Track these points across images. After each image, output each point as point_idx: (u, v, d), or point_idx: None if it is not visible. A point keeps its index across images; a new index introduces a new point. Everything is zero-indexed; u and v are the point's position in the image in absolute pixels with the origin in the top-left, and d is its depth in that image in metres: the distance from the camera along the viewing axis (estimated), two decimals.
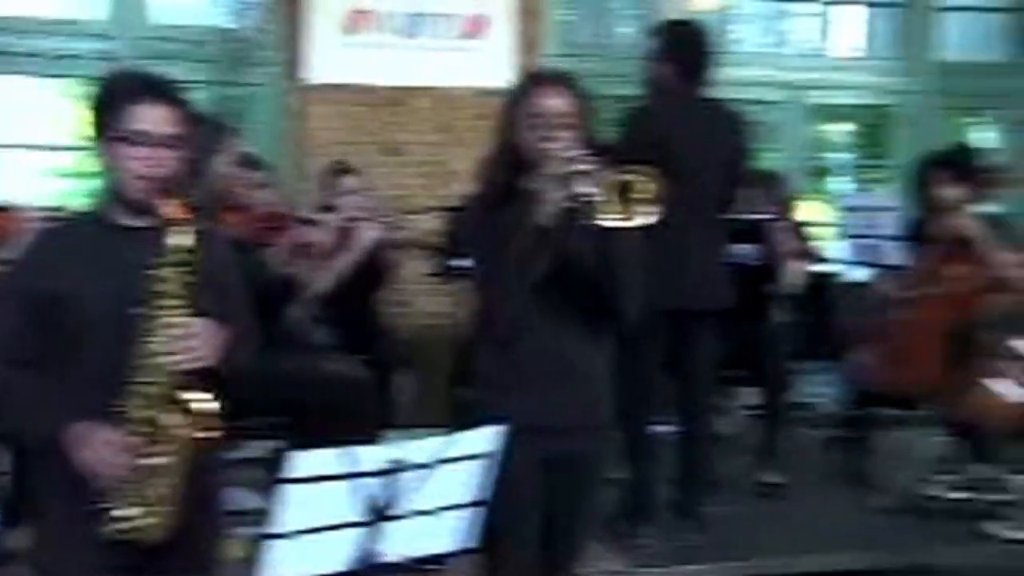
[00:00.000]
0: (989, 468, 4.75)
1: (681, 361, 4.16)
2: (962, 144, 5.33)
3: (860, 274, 5.44)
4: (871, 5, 7.36)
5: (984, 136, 7.43)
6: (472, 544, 2.32)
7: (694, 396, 4.23)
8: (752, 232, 4.88)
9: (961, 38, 7.33)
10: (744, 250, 4.75)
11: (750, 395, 5.30)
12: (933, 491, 4.79)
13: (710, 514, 4.26)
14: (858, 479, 4.93)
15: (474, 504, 2.28)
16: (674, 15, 5.62)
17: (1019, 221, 6.01)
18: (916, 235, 4.84)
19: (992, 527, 4.39)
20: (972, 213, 4.66)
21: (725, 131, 4.12)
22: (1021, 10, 7.18)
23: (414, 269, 5.46)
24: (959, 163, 4.76)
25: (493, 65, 5.99)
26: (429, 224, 5.32)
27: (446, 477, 2.20)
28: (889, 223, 4.84)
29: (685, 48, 4.09)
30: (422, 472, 2.15)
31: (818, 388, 6.06)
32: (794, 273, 5.05)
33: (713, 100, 4.15)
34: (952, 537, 4.40)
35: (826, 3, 7.23)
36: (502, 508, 2.40)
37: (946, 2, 7.15)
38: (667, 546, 4.10)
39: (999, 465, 4.71)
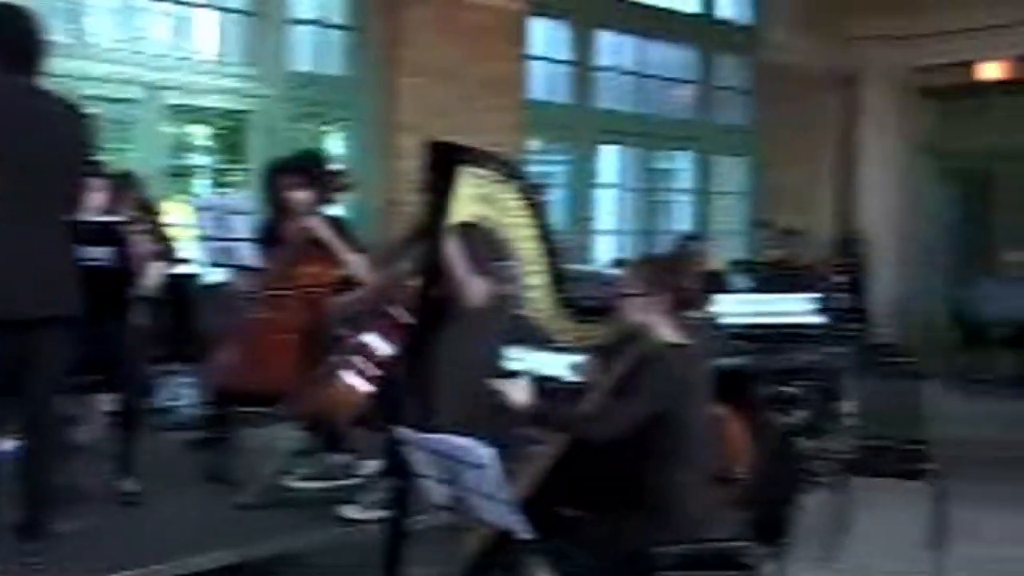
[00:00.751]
0: (342, 456, 5.05)
1: (23, 374, 3.86)
2: (311, 150, 5.59)
3: (218, 276, 5.49)
4: (224, 11, 7.46)
5: (330, 143, 7.89)
6: None
7: (38, 409, 3.94)
8: (107, 234, 4.69)
9: (309, 50, 7.73)
10: (98, 252, 4.56)
11: (109, 402, 5.10)
12: (293, 483, 4.99)
13: (63, 531, 4.02)
14: (222, 478, 4.97)
15: None
16: None
17: (360, 223, 6.50)
18: (270, 237, 5.00)
19: (345, 510, 4.66)
20: (320, 215, 4.92)
21: (62, 126, 3.85)
22: (357, 28, 7.72)
23: None
24: (308, 168, 5.00)
25: None
26: None
27: None
28: (244, 225, 4.93)
29: (9, 35, 3.78)
30: None
31: (180, 391, 6.02)
32: (152, 275, 4.96)
33: (47, 93, 3.86)
34: (312, 524, 4.59)
35: (182, 4, 7.20)
36: None
37: (294, 14, 7.48)
38: (11, 572, 3.80)
39: (350, 453, 5.02)
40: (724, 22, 10.59)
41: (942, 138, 11.17)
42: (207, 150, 8.25)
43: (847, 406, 5.01)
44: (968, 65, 10.55)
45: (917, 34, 10.42)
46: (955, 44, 10.23)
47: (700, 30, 10.33)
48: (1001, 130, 10.67)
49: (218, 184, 7.99)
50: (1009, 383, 9.10)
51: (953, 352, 9.58)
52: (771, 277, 8.30)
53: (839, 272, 7.98)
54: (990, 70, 10.50)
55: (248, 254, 4.90)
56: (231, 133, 7.84)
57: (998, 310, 9.21)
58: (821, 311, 6.22)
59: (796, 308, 6.18)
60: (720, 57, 10.56)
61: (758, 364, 5.82)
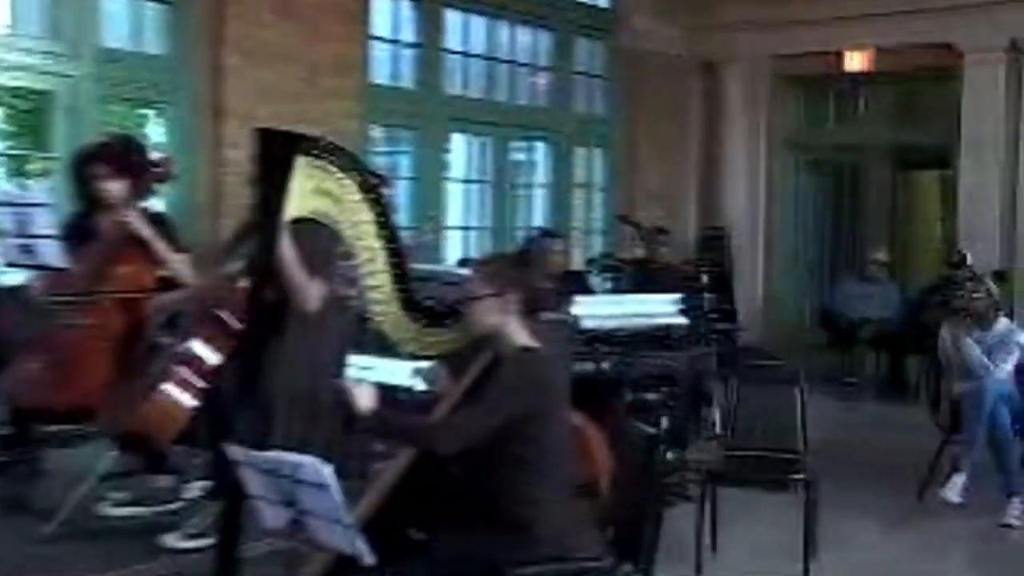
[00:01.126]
0: (163, 478, 4.94)
1: None
2: (125, 136, 5.44)
3: (16, 278, 5.31)
4: None
5: (148, 128, 7.71)
6: None
7: None
8: None
9: (123, 24, 7.50)
10: None
11: None
12: (107, 509, 4.86)
13: None
14: (22, 506, 4.84)
15: None
16: None
17: (183, 218, 6.35)
18: (79, 233, 4.83)
19: (168, 539, 4.55)
20: (137, 209, 4.78)
21: None
22: (177, 3, 7.55)
23: None
24: (122, 156, 4.86)
25: None
26: None
27: None
28: (45, 220, 4.76)
29: None
30: None
31: None
32: None
33: None
34: (130, 555, 4.49)
35: None
36: None
37: None
38: None
39: (173, 474, 4.91)
40: (582, 4, 10.74)
41: (808, 131, 11.58)
42: (3, 135, 7.95)
43: (713, 413, 5.14)
44: (834, 55, 10.94)
45: (782, 22, 10.77)
46: (820, 33, 10.62)
47: (557, 12, 10.44)
48: (869, 123, 11.12)
49: (17, 173, 7.72)
50: (874, 384, 9.51)
51: (819, 353, 9.94)
52: (633, 276, 8.45)
53: (703, 271, 8.17)
54: (855, 61, 10.92)
55: (52, 253, 4.73)
56: (31, 116, 7.57)
57: (863, 310, 9.58)
58: (685, 312, 6.35)
59: (659, 309, 6.29)
60: (579, 42, 10.70)
61: (619, 369, 5.91)
